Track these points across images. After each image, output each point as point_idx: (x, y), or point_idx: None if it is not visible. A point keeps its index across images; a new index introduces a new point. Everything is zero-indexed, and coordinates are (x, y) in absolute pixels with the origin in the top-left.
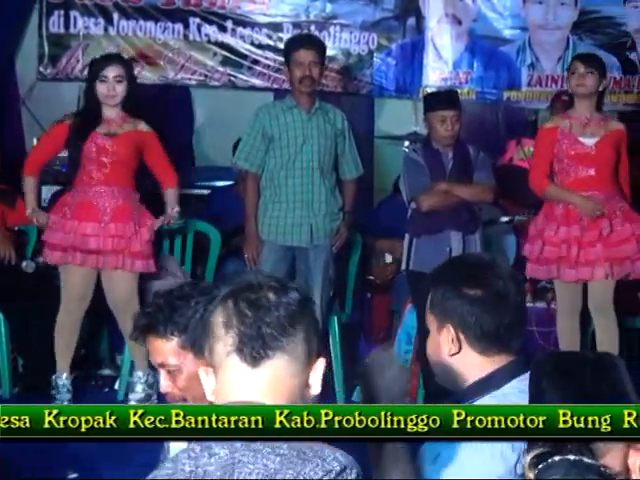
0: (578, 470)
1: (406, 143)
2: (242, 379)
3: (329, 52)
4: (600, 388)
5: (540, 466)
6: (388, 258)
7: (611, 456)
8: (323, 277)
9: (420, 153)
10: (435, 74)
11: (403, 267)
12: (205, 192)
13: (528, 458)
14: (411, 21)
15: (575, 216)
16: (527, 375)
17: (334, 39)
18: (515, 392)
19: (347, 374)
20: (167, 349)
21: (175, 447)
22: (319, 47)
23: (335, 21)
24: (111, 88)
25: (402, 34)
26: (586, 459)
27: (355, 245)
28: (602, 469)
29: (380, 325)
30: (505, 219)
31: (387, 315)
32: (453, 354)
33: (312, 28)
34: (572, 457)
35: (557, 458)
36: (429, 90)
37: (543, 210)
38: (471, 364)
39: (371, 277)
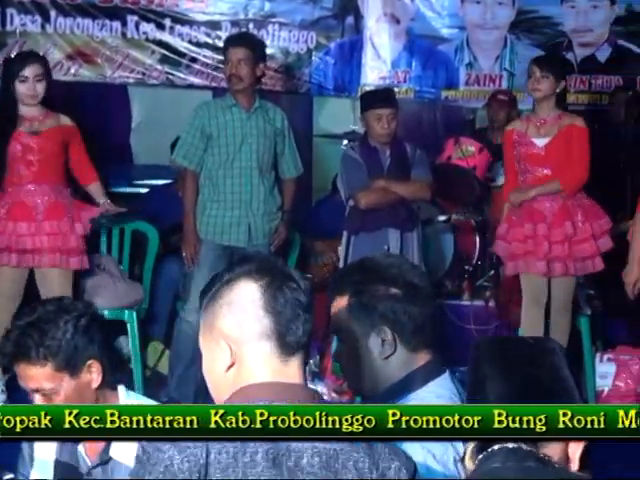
0: (517, 457)
1: (345, 141)
2: (274, 367)
3: (268, 51)
4: (539, 373)
5: (480, 456)
6: (326, 257)
7: (552, 446)
8: None
9: (358, 151)
10: (373, 73)
11: (341, 265)
12: (143, 190)
13: (469, 448)
14: (350, 20)
15: (538, 214)
16: (445, 375)
17: (273, 37)
18: (432, 397)
19: None
20: (41, 374)
21: (40, 454)
22: (249, 45)
23: (274, 19)
24: (31, 88)
25: (341, 33)
26: (524, 447)
27: (293, 244)
28: (541, 456)
29: (318, 324)
30: (443, 218)
31: (325, 314)
32: (387, 356)
33: (251, 26)
34: (511, 445)
35: (496, 447)
36: (367, 89)
37: (508, 211)
38: (402, 364)
39: (309, 276)
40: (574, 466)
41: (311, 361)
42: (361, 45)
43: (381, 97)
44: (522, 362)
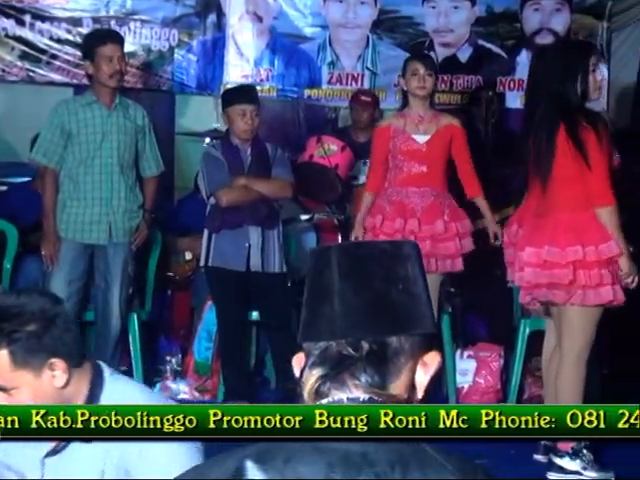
0: None
1: (207, 140)
2: None
3: (130, 48)
4: (390, 288)
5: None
6: (188, 255)
7: (405, 376)
8: (122, 275)
9: (219, 149)
10: (236, 71)
11: (202, 263)
12: (2, 188)
13: (310, 382)
14: (212, 18)
15: (410, 210)
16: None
17: (134, 35)
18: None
19: (147, 372)
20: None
21: None
22: (122, 42)
23: (136, 17)
24: None
25: (203, 31)
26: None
27: (155, 242)
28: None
29: (180, 322)
30: (305, 216)
31: (187, 312)
32: (65, 385)
33: (112, 23)
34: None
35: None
36: (230, 87)
37: (375, 206)
38: (77, 382)
39: (171, 274)
40: (420, 394)
41: (173, 360)
42: (223, 43)
43: (245, 93)
44: (374, 274)
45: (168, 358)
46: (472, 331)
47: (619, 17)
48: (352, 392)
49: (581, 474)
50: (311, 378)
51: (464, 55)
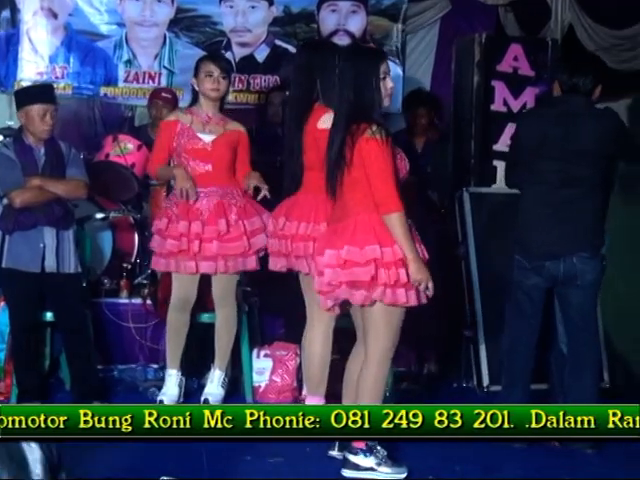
0: None
1: (0, 138)
2: None
3: None
4: None
5: None
6: None
7: None
8: None
9: (11, 148)
10: (30, 68)
11: None
12: None
13: None
14: (5, 13)
15: (194, 212)
16: None
17: None
18: None
19: None
20: None
21: None
22: None
23: None
24: None
25: None
26: None
27: None
28: None
29: None
30: (101, 215)
31: None
32: None
33: None
34: None
35: None
36: (24, 84)
37: (162, 209)
38: None
39: None
40: None
41: None
42: (17, 39)
43: (45, 92)
44: None
45: None
46: (268, 330)
47: (414, 20)
48: None
49: (375, 470)
50: None
51: (261, 55)
